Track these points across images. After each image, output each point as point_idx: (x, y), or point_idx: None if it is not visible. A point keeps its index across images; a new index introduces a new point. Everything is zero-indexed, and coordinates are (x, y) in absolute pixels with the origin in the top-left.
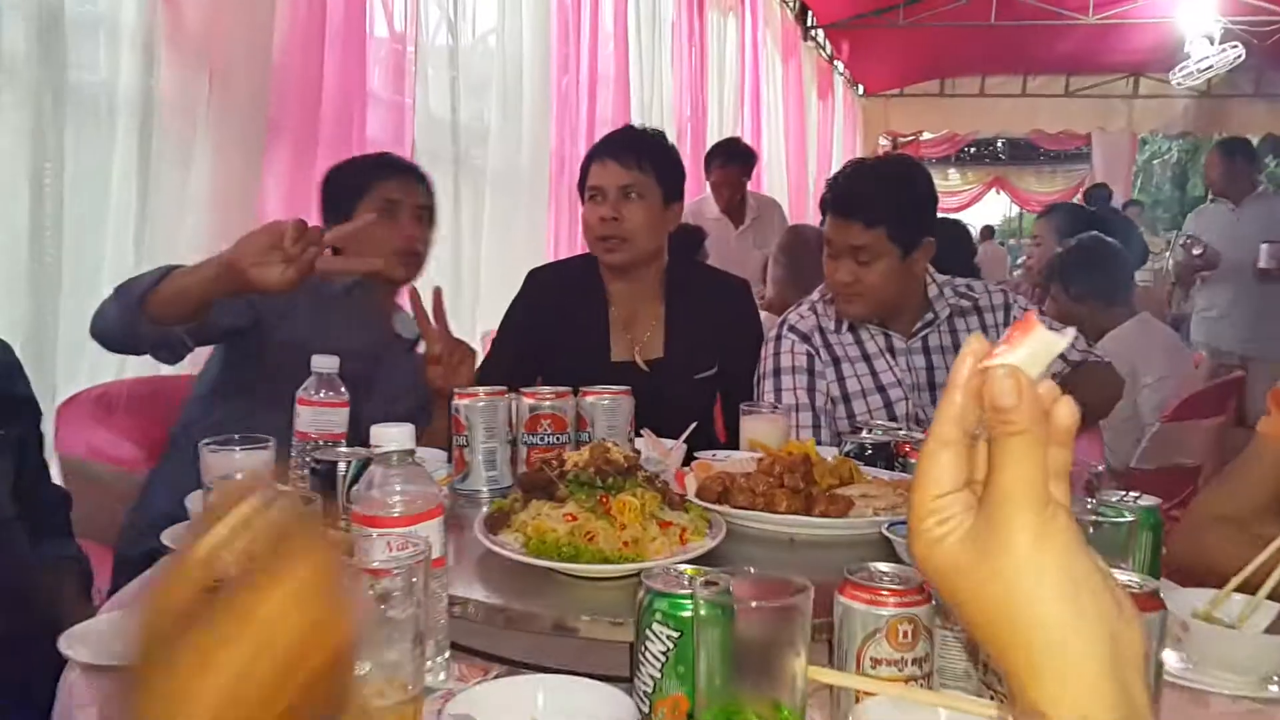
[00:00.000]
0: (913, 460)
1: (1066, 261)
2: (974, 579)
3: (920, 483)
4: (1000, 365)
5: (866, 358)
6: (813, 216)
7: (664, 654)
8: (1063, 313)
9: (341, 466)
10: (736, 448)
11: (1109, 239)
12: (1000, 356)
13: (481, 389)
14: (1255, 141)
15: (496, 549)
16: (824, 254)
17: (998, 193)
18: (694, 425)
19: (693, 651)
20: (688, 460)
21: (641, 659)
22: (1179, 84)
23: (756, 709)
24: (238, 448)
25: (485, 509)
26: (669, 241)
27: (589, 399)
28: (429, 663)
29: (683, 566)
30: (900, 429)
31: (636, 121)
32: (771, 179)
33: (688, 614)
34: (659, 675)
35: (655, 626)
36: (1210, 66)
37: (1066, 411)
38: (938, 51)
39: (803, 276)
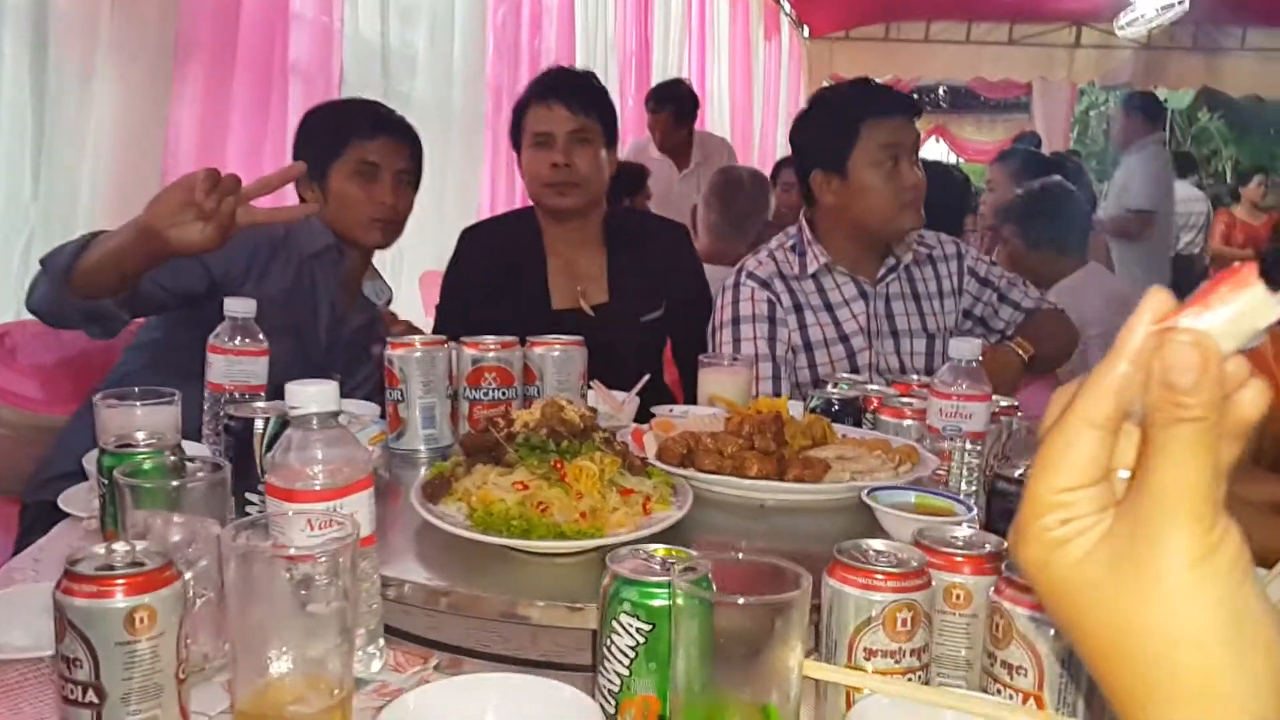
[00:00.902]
0: (884, 416)
1: (1027, 205)
2: (1104, 600)
3: (1046, 469)
4: (1186, 330)
5: (829, 306)
6: (759, 160)
7: (633, 649)
8: (1015, 258)
9: (258, 424)
10: (692, 401)
11: (1070, 185)
12: (1189, 318)
13: (418, 338)
14: (1191, 95)
15: (437, 522)
16: (868, 168)
17: (937, 140)
18: (647, 377)
19: (667, 647)
20: (641, 415)
21: (606, 654)
22: (1122, 33)
23: (742, 714)
24: (138, 403)
25: (423, 472)
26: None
27: (538, 350)
28: (360, 653)
29: (653, 547)
30: (865, 381)
31: (581, 57)
32: (716, 120)
33: (661, 604)
34: (626, 673)
35: (623, 618)
36: (1154, 17)
37: (1253, 399)
38: None
39: (737, 220)
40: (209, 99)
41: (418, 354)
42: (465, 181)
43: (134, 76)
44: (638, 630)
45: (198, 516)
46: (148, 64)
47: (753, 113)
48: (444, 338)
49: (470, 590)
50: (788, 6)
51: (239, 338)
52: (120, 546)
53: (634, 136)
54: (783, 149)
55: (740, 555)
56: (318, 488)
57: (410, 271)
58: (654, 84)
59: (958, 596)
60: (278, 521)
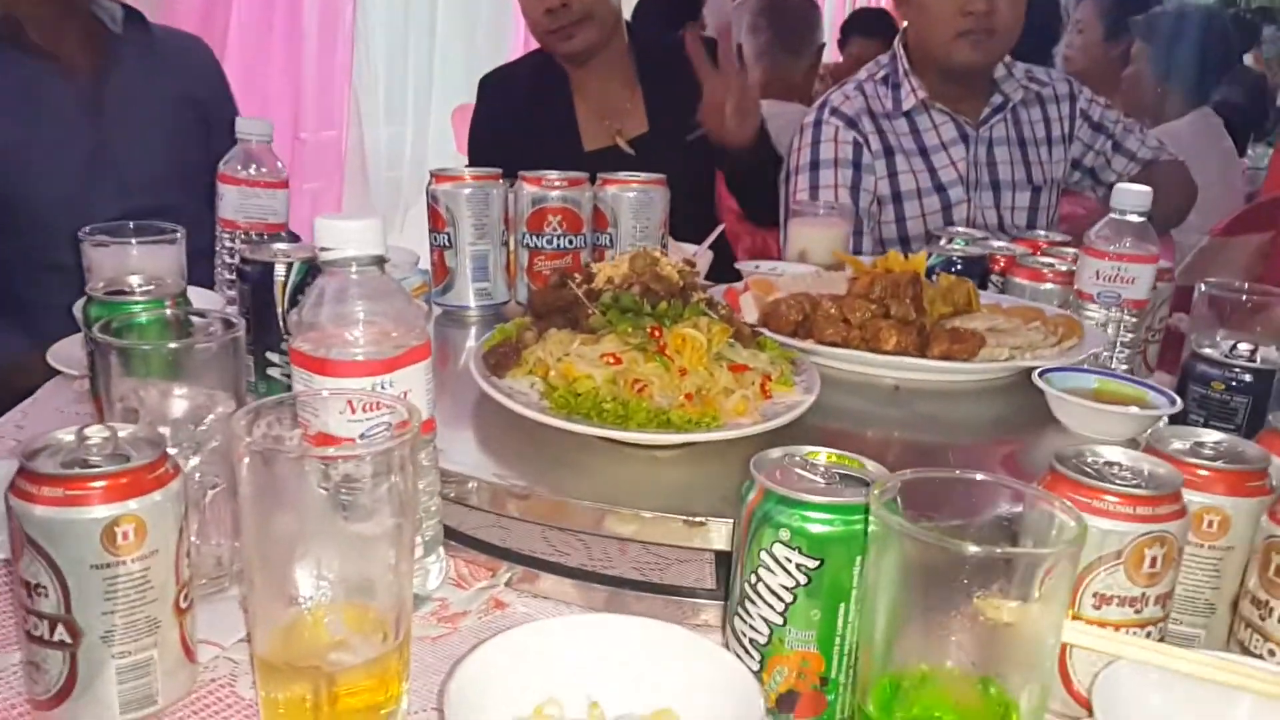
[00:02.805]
0: (1018, 279)
1: (1171, 25)
2: None
3: None
4: None
5: (924, 150)
6: None
7: (790, 591)
8: (1138, 83)
9: (279, 270)
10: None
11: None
12: None
13: (467, 170)
14: None
15: (508, 403)
16: None
17: None
18: (721, 227)
19: (837, 589)
20: (714, 273)
21: (750, 593)
22: None
23: (953, 690)
24: (134, 240)
25: (481, 338)
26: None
27: (611, 189)
28: (416, 566)
29: (809, 450)
30: (984, 236)
31: None
32: None
33: (833, 531)
34: (780, 620)
35: (778, 549)
36: None
37: None
38: None
39: (789, 39)
40: None
41: (468, 190)
42: (498, 3)
43: None
44: (798, 567)
45: (206, 387)
46: None
47: None
48: (499, 171)
49: (554, 494)
50: None
51: (254, 165)
52: (96, 432)
53: None
54: None
55: (960, 473)
56: (360, 357)
57: (441, 105)
58: None
59: (1210, 524)
60: (308, 402)
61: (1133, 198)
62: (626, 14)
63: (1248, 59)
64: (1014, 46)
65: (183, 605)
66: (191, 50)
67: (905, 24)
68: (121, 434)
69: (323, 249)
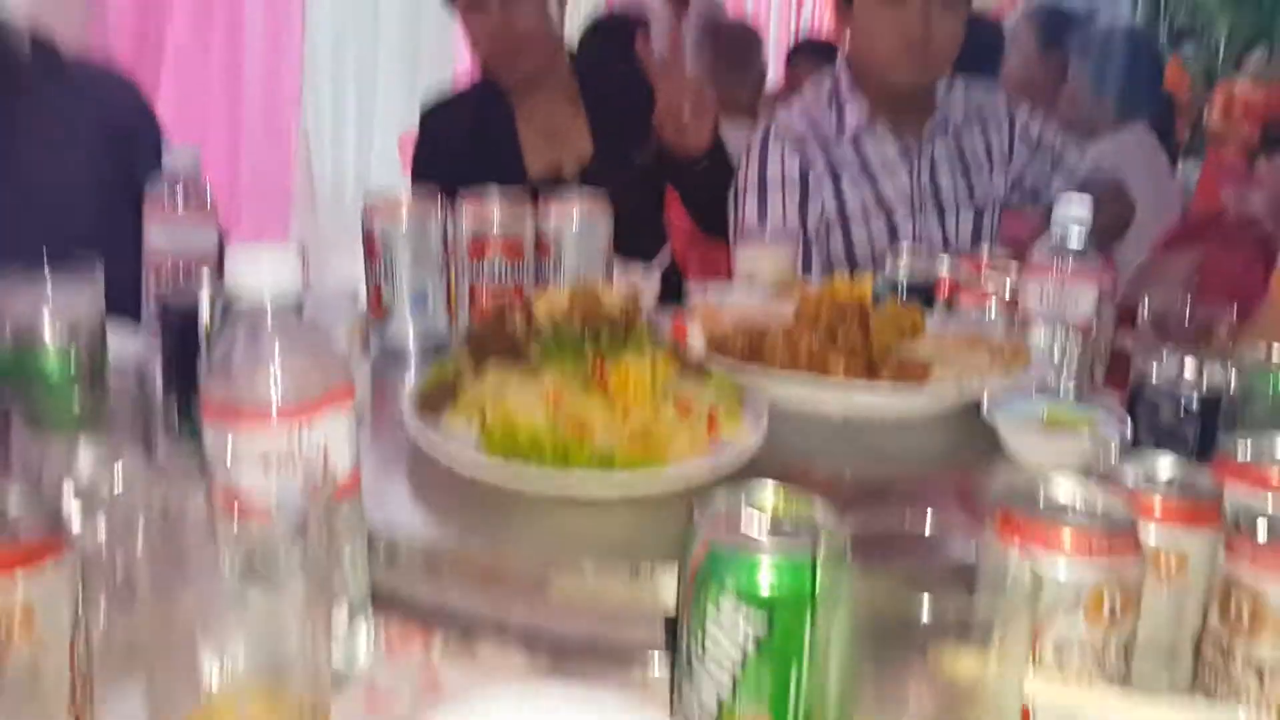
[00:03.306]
0: (962, 302)
1: (1104, 43)
2: None
3: None
4: None
5: (869, 172)
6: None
7: (740, 653)
8: (1077, 100)
9: (204, 307)
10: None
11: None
12: None
13: (405, 198)
14: None
15: (442, 450)
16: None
17: None
18: (668, 246)
19: (790, 651)
20: (663, 297)
21: (698, 657)
22: None
23: None
24: (47, 277)
25: (416, 376)
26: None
27: (554, 216)
28: (339, 637)
29: (756, 490)
30: (930, 258)
31: None
32: None
33: (783, 584)
34: (728, 683)
35: (725, 608)
36: None
37: None
38: None
39: (735, 62)
40: None
41: (405, 220)
42: (440, 28)
43: None
44: (747, 622)
45: (116, 443)
46: None
47: None
48: (436, 193)
49: (488, 548)
50: None
51: (181, 196)
52: None
53: None
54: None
55: (905, 517)
56: (274, 406)
57: (384, 133)
58: None
59: (1168, 560)
60: (217, 458)
61: (1075, 210)
62: (572, 40)
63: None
64: (959, 65)
65: (77, 698)
66: (112, 84)
67: (846, 44)
68: (10, 498)
69: (233, 285)
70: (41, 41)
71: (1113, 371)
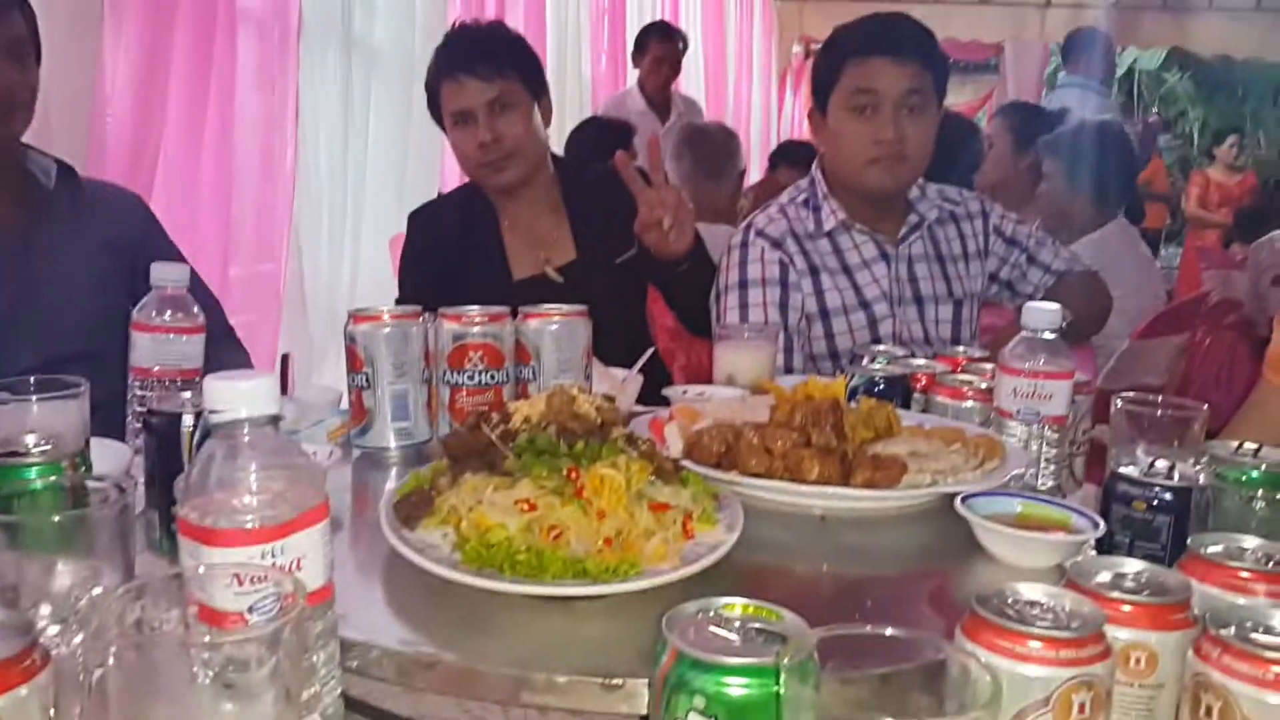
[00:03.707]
0: (939, 397)
1: (1076, 141)
2: None
3: None
4: None
5: (847, 269)
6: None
7: None
8: (1053, 199)
9: (187, 420)
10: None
11: (1125, 130)
12: None
13: (386, 309)
14: (1160, 55)
15: (416, 559)
16: (840, 111)
17: None
18: (651, 350)
19: None
20: (646, 395)
21: None
22: None
23: None
24: (34, 396)
25: (394, 485)
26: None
27: (533, 323)
28: None
29: (724, 602)
30: (907, 355)
31: (552, 10)
32: (693, 81)
33: (751, 695)
34: None
35: (692, 714)
36: None
37: None
38: None
39: (709, 167)
40: (143, 46)
41: (386, 329)
42: (428, 135)
43: (59, 8)
44: None
45: (93, 560)
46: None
47: (725, 75)
48: (418, 309)
49: (463, 660)
50: None
51: (168, 311)
52: None
53: (606, 92)
54: (758, 113)
55: (870, 629)
56: (249, 525)
57: (373, 236)
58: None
59: (1137, 661)
60: (191, 576)
61: (1044, 315)
62: (557, 147)
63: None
64: (937, 172)
65: None
66: (120, 200)
67: (821, 150)
68: None
69: (212, 411)
70: (65, 168)
71: (1094, 464)
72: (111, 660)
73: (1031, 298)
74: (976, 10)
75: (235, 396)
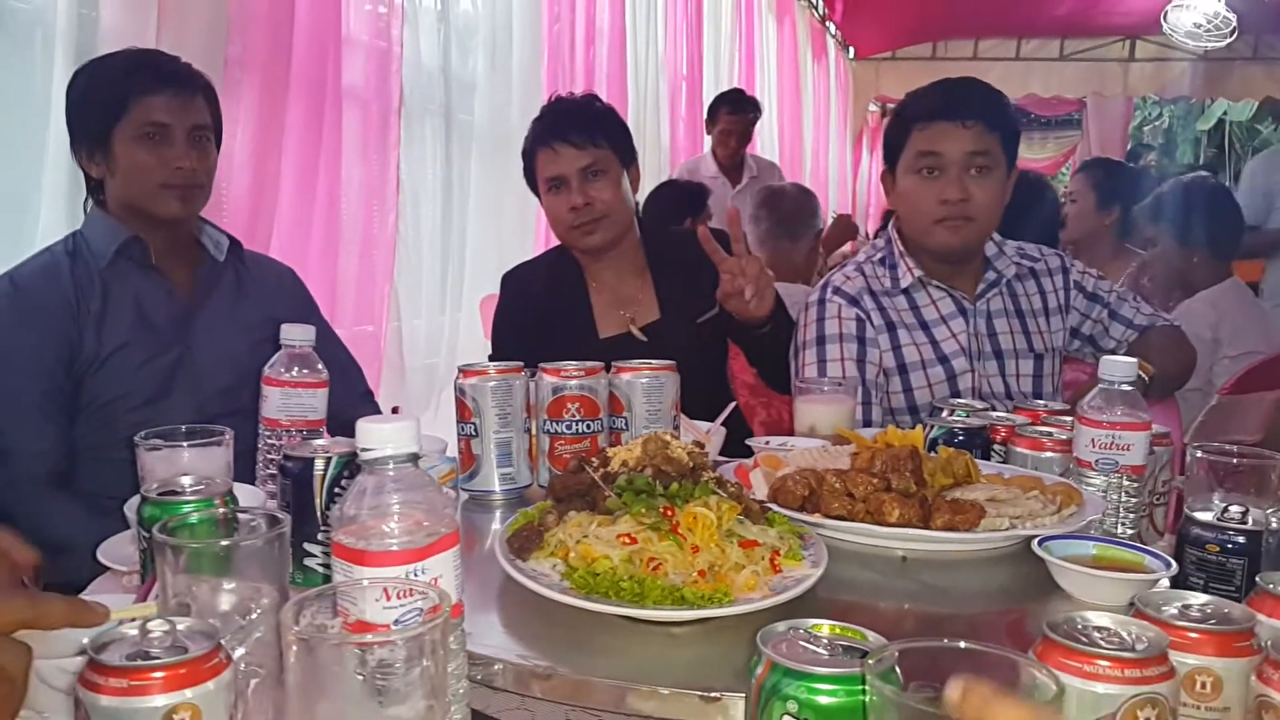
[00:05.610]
0: (1019, 448)
1: (1183, 198)
2: None
3: None
4: None
5: (925, 324)
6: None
7: None
8: (1168, 258)
9: (319, 464)
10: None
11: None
12: None
13: (492, 364)
14: (1252, 107)
15: (531, 585)
16: (908, 174)
17: None
18: (734, 405)
19: None
20: (728, 449)
21: None
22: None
23: None
24: (185, 443)
25: (503, 521)
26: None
27: (625, 376)
28: None
29: (813, 623)
30: (986, 407)
31: (632, 80)
32: (767, 143)
33: (839, 701)
34: None
35: (787, 718)
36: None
37: None
38: (930, 12)
39: (788, 226)
40: (260, 122)
41: (493, 383)
42: (522, 205)
43: None
44: None
45: (252, 581)
46: None
47: (802, 136)
48: (520, 364)
49: (574, 672)
50: (833, 28)
51: (296, 368)
52: (158, 626)
53: (684, 158)
54: (834, 172)
55: (947, 642)
56: (395, 547)
57: (471, 295)
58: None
59: (1203, 685)
60: (347, 591)
61: (1121, 368)
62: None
63: None
64: (1014, 229)
65: None
66: (278, 275)
67: (895, 211)
68: (180, 627)
69: (363, 449)
70: (235, 243)
71: (1175, 515)
72: (291, 658)
73: (1114, 353)
74: (1058, 66)
75: (384, 437)
